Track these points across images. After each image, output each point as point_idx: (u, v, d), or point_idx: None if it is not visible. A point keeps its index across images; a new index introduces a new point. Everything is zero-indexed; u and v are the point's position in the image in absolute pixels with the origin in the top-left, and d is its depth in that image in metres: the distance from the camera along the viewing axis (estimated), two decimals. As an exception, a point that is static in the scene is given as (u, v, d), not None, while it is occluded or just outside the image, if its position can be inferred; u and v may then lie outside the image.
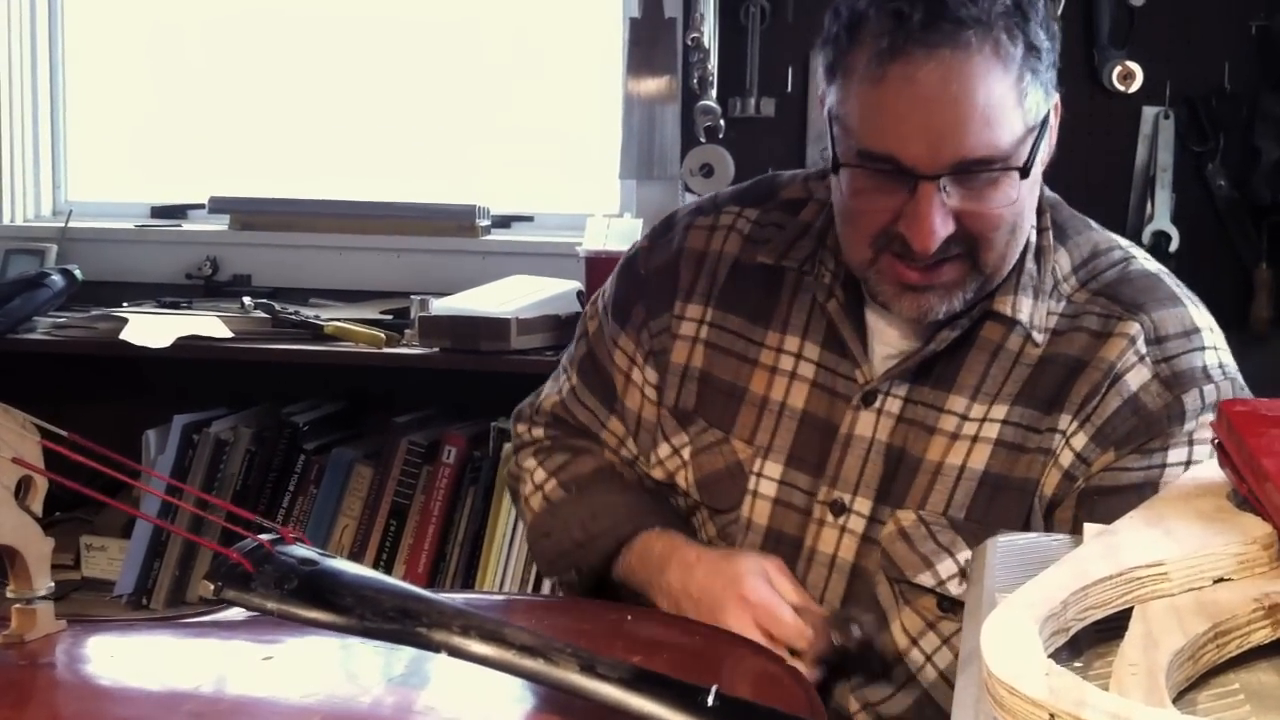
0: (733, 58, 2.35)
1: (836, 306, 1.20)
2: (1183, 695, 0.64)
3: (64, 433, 0.93)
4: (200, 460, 2.29)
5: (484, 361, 2.11)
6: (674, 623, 1.08)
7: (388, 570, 2.16)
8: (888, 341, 1.20)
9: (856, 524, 1.18)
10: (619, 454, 1.33)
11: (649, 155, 2.39)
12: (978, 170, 1.08)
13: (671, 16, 2.36)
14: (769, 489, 1.22)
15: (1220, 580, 0.74)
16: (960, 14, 1.05)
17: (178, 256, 2.59)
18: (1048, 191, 1.23)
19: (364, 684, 0.90)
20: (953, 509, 1.15)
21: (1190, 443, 1.13)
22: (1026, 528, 1.14)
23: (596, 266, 2.13)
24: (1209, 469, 0.94)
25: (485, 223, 2.53)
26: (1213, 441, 0.90)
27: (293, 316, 2.26)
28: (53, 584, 0.97)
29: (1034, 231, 1.19)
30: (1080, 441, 1.14)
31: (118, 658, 0.96)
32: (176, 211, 2.70)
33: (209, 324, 2.23)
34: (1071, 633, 0.69)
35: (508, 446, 1.43)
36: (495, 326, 2.10)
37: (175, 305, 2.41)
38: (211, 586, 0.84)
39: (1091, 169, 2.23)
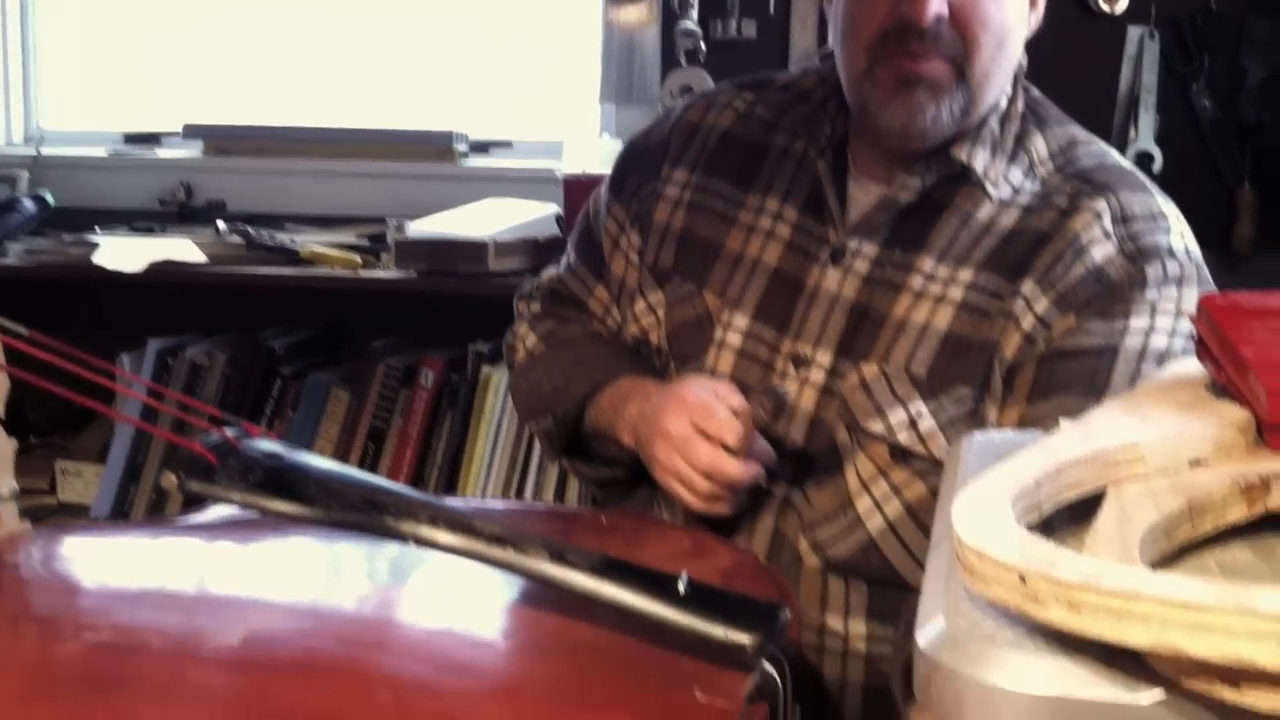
0: (714, -23, 2.32)
1: (825, 167, 1.25)
2: (1156, 571, 0.63)
3: (23, 330, 0.91)
4: (176, 385, 2.26)
5: (461, 285, 2.08)
6: (646, 523, 1.08)
7: (366, 495, 2.15)
8: (863, 209, 1.24)
9: (817, 376, 1.22)
10: (605, 322, 1.40)
11: (628, 78, 2.36)
12: None
13: (651, -64, 2.33)
14: (735, 340, 1.26)
15: (1196, 463, 0.74)
16: None
17: (151, 183, 2.55)
18: (1034, 89, 1.28)
19: (341, 579, 0.89)
20: (914, 365, 1.18)
21: (1153, 312, 1.15)
22: (984, 388, 1.17)
23: (576, 189, 2.11)
24: (1188, 364, 0.93)
25: (463, 148, 2.49)
26: (1191, 336, 0.90)
27: (268, 241, 2.24)
28: (16, 485, 0.96)
29: (1005, 98, 1.24)
30: (1042, 306, 1.16)
31: (87, 555, 0.95)
32: (150, 138, 2.65)
33: (183, 248, 2.20)
34: (1044, 512, 0.69)
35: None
36: (472, 249, 2.07)
37: (149, 231, 2.38)
38: (174, 477, 0.82)
39: (1076, 90, 2.17)
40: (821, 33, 2.28)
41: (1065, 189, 1.21)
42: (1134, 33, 2.22)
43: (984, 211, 1.21)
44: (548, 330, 1.41)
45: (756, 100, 1.35)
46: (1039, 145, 1.24)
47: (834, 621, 1.19)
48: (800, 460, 1.21)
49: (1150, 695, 0.52)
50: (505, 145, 2.57)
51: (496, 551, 0.79)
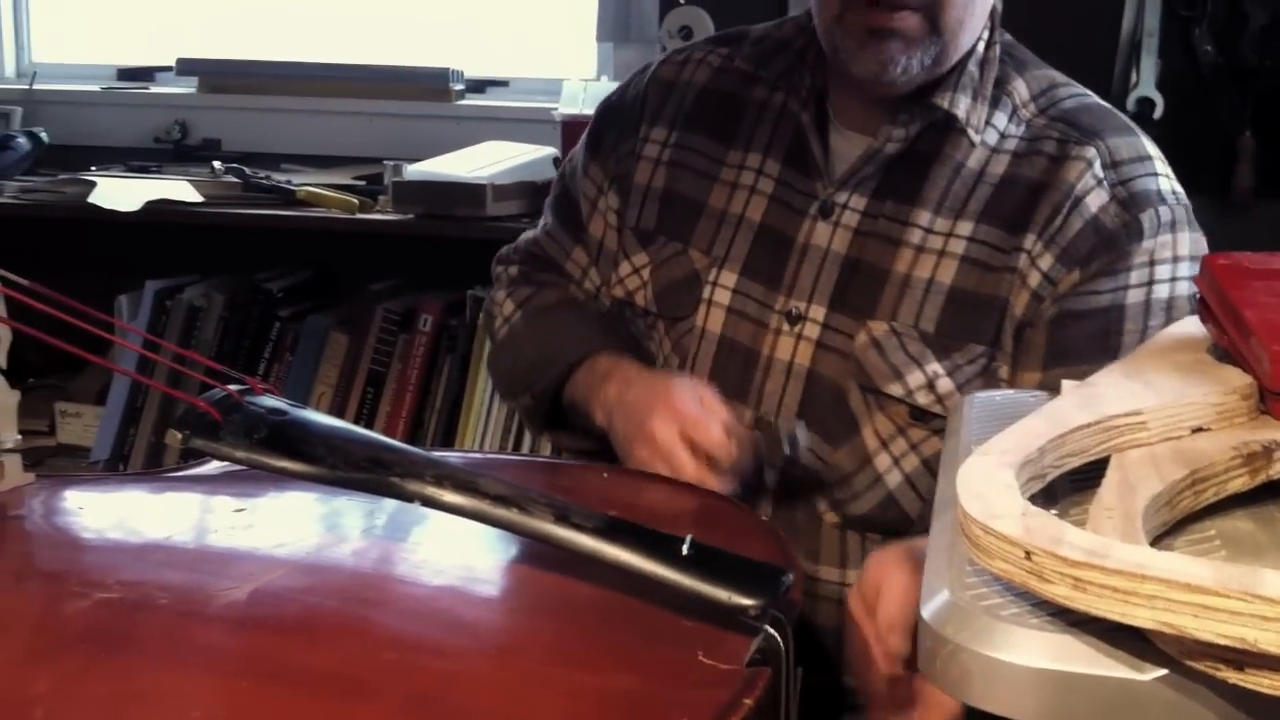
0: (713, -86, 2.29)
1: (809, 119, 1.24)
2: (1159, 540, 0.64)
3: (25, 282, 0.91)
4: (174, 327, 2.26)
5: (459, 228, 2.08)
6: (650, 480, 1.08)
7: (364, 437, 2.15)
8: (847, 161, 1.23)
9: (812, 330, 1.22)
10: (582, 285, 1.38)
11: (626, 17, 2.34)
12: None
13: None
14: (723, 297, 1.25)
15: (1199, 430, 0.74)
16: None
17: (145, 120, 2.54)
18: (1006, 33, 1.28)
19: (336, 537, 0.89)
20: (923, 321, 1.19)
21: (1151, 262, 1.17)
22: (995, 345, 1.18)
23: (573, 130, 2.09)
24: (1190, 324, 0.93)
25: (459, 87, 2.48)
26: (1193, 296, 0.90)
27: (264, 181, 2.22)
28: (19, 436, 0.96)
29: (982, 43, 1.23)
30: (1046, 262, 1.17)
31: (90, 510, 0.95)
32: (144, 74, 2.63)
33: (179, 188, 2.19)
34: (1048, 479, 0.69)
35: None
36: (470, 192, 2.06)
37: (144, 170, 2.36)
38: (179, 435, 0.82)
39: (1077, 34, 2.18)
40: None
41: (1052, 134, 1.21)
42: (1137, -25, 2.20)
43: (973, 159, 1.20)
44: (525, 298, 1.39)
45: (733, 54, 1.33)
46: (1020, 88, 1.24)
47: (855, 577, 1.18)
48: (802, 416, 1.21)
49: (1154, 673, 0.52)
50: (502, 84, 2.55)
51: (501, 512, 0.79)
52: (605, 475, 1.07)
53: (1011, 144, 1.21)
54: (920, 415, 1.18)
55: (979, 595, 0.57)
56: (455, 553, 0.86)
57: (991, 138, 1.21)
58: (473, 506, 0.80)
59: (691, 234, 1.28)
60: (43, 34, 2.72)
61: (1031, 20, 1.28)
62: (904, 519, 1.20)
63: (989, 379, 1.17)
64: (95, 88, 2.59)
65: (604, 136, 1.37)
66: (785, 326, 1.22)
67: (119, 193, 2.14)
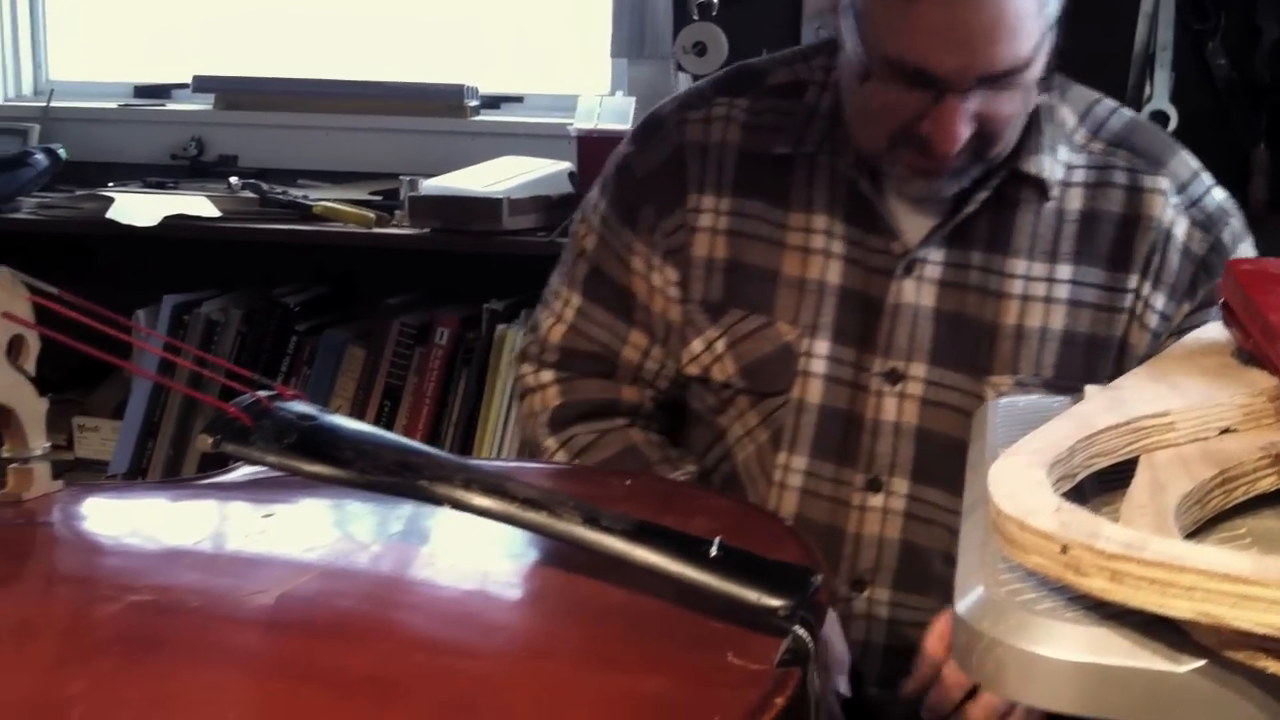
0: (727, -69, 2.30)
1: (868, 186, 1.20)
2: (1190, 538, 0.64)
3: (54, 289, 0.92)
4: (191, 341, 2.27)
5: (475, 243, 2.08)
6: (675, 488, 1.08)
7: (380, 451, 2.15)
8: (911, 214, 1.22)
9: (915, 388, 1.21)
10: (642, 368, 1.30)
11: (640, 33, 2.35)
12: (1004, 81, 1.10)
13: (665, -112, 2.30)
14: (819, 367, 1.22)
15: (1226, 431, 0.74)
16: None
17: (162, 137, 2.55)
18: None
19: (363, 541, 0.90)
20: (1043, 371, 1.19)
21: None
22: None
23: (589, 146, 2.10)
24: (1213, 329, 0.94)
25: (474, 103, 2.49)
26: (1219, 300, 0.90)
27: (281, 196, 2.24)
28: (48, 444, 0.96)
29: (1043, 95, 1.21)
30: (1160, 301, 1.21)
31: (116, 516, 0.96)
32: (160, 91, 2.65)
33: (196, 203, 2.20)
34: (1078, 479, 0.69)
35: (516, 372, 1.36)
36: (486, 207, 2.07)
37: (161, 186, 2.38)
38: (210, 440, 0.83)
39: (1091, 48, 2.18)
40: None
41: (1116, 163, 1.22)
42: (1150, -10, 2.21)
43: (1048, 201, 1.21)
44: (580, 447, 1.29)
45: (754, 106, 1.27)
46: (1066, 115, 1.23)
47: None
48: (918, 474, 1.21)
49: (1191, 664, 0.52)
50: (516, 100, 2.56)
51: (530, 515, 0.79)
52: (628, 483, 1.08)
53: (1079, 175, 1.22)
54: None
55: (1014, 590, 0.58)
56: (482, 556, 0.87)
57: (1059, 172, 1.21)
58: (502, 509, 0.80)
59: (773, 305, 1.23)
60: (60, 52, 2.73)
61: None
62: None
63: None
64: (112, 105, 2.61)
65: (639, 211, 1.28)
66: (886, 387, 1.21)
67: (137, 208, 2.15)
